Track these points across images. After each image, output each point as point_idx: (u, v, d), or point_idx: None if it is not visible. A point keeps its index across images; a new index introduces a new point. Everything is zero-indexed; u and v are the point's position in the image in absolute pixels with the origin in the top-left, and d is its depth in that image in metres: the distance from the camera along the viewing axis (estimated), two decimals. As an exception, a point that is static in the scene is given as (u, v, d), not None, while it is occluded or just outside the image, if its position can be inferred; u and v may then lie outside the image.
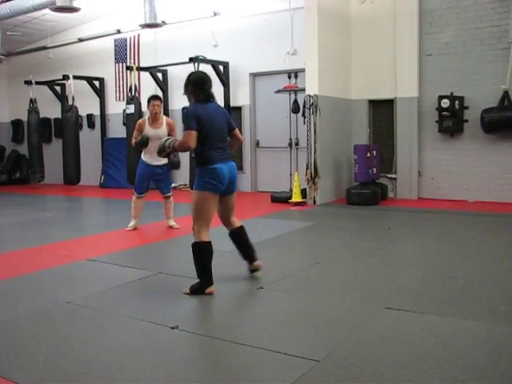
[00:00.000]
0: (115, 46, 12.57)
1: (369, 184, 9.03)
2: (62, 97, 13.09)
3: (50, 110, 13.55)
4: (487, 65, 8.69)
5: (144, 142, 6.53)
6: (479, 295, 4.03)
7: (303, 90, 9.27)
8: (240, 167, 11.14)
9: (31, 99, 12.70)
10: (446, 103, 8.81)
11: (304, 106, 9.09)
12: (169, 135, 6.37)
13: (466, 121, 8.93)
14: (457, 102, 8.81)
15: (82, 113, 12.81)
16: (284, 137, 10.58)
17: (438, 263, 5.07)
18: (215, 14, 10.83)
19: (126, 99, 11.66)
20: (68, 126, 12.12)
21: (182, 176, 11.23)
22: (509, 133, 8.55)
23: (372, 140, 9.90)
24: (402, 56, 9.31)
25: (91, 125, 13.26)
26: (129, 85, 11.47)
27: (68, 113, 12.11)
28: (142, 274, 4.80)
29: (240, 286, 4.46)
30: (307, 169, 9.05)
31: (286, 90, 10.00)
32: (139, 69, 11.49)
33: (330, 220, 7.69)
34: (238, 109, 11.09)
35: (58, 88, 13.30)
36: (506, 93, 8.48)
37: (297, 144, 10.46)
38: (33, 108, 12.72)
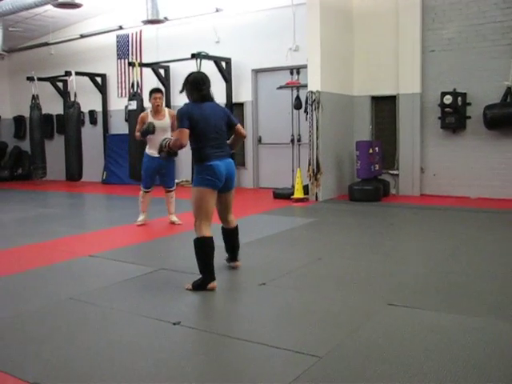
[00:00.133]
0: (117, 42, 12.55)
1: (371, 180, 9.02)
2: (64, 93, 13.11)
3: (52, 106, 13.56)
4: (490, 61, 8.66)
5: (151, 130, 6.53)
6: (482, 291, 4.02)
7: (305, 86, 9.24)
8: (242, 163, 11.15)
9: (33, 95, 12.69)
10: (448, 99, 8.79)
11: (306, 102, 9.07)
12: (172, 126, 6.65)
13: (469, 117, 8.90)
14: (459, 98, 8.78)
15: (84, 109, 12.81)
16: (286, 133, 10.56)
17: (440, 259, 5.06)
18: (217, 10, 10.80)
19: (128, 95, 11.64)
20: (70, 122, 12.12)
21: (185, 172, 11.24)
22: (511, 129, 8.53)
23: (374, 136, 9.88)
24: (404, 52, 9.28)
25: (93, 121, 13.27)
26: (131, 81, 11.44)
27: (70, 109, 12.10)
28: (144, 269, 4.80)
29: (242, 282, 4.47)
30: (309, 165, 9.04)
31: (288, 86, 9.96)
32: (141, 65, 11.48)
33: (332, 216, 7.69)
34: (240, 105, 11.08)
35: (60, 84, 13.32)
36: (508, 89, 8.45)
37: (299, 140, 10.43)
38: (35, 104, 12.71)
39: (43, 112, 12.99)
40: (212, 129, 4.22)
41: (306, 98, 9.07)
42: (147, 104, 10.98)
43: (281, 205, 8.67)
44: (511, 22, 8.46)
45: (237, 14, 10.82)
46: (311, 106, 8.96)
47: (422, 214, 7.70)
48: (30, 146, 13.12)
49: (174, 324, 3.45)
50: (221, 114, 4.36)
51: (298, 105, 9.73)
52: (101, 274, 4.82)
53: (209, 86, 4.33)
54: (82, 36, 12.56)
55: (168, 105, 11.45)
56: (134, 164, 10.76)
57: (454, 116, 8.87)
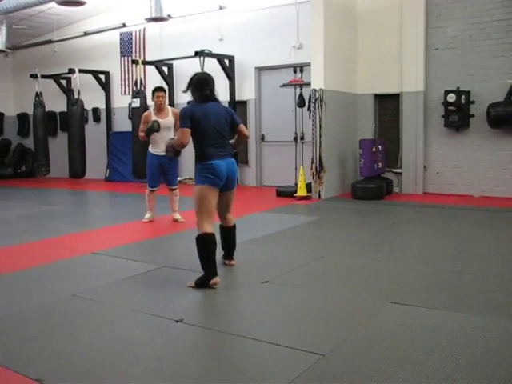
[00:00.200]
0: (121, 39, 12.56)
1: (374, 178, 9.01)
2: (67, 90, 13.12)
3: (56, 103, 13.57)
4: (494, 59, 8.63)
5: (156, 128, 6.55)
6: (484, 290, 4.01)
7: (309, 84, 9.23)
8: (245, 161, 11.15)
9: (37, 93, 12.71)
10: (452, 98, 8.76)
11: (309, 100, 9.06)
12: (175, 124, 6.69)
13: (472, 115, 8.88)
14: (463, 96, 8.76)
15: (88, 106, 12.83)
16: (289, 131, 10.56)
17: (443, 258, 5.05)
18: (221, 8, 10.79)
19: (131, 93, 11.65)
20: (73, 120, 12.13)
21: (187, 170, 11.24)
22: (515, 127, 8.52)
23: (377, 134, 9.86)
24: (407, 50, 9.26)
25: (97, 118, 13.28)
26: (134, 79, 11.46)
27: (73, 106, 12.12)
28: (147, 267, 4.81)
29: (245, 279, 4.47)
30: (312, 163, 9.04)
31: (292, 84, 9.96)
32: (145, 63, 11.48)
33: (335, 214, 7.68)
34: (244, 103, 11.07)
35: (63, 82, 13.33)
36: (512, 87, 8.43)
37: (302, 138, 10.43)
38: (38, 101, 12.73)
39: (47, 109, 12.99)
40: (213, 128, 4.27)
41: (310, 96, 9.05)
42: (150, 102, 11.03)
43: (284, 203, 8.67)
44: (515, 19, 8.44)
45: (240, 12, 10.81)
46: (314, 104, 8.95)
47: (425, 213, 7.68)
48: (33, 143, 13.14)
49: (177, 321, 3.45)
50: (224, 113, 4.39)
51: (301, 103, 9.72)
52: (104, 271, 4.83)
53: (212, 87, 4.37)
54: (86, 33, 12.57)
55: (171, 103, 11.47)
56: (137, 162, 10.78)
57: (457, 114, 8.85)
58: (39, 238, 6.23)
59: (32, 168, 14.03)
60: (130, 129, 11.34)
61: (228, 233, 4.73)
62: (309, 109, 9.09)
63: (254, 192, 10.37)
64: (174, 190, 7.03)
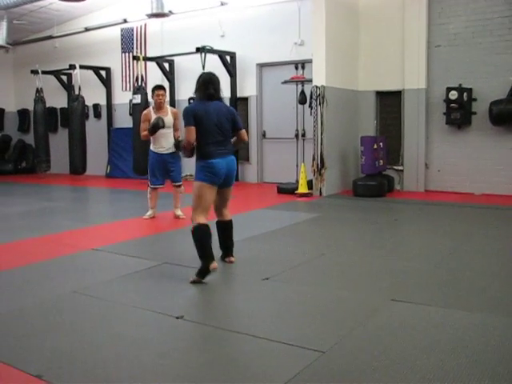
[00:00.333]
0: (122, 35, 12.52)
1: (375, 176, 8.99)
2: (68, 86, 13.09)
3: (56, 99, 13.55)
4: (496, 56, 8.59)
5: (160, 125, 6.54)
6: (485, 288, 4.00)
7: (310, 80, 9.20)
8: (246, 158, 11.14)
9: (37, 89, 12.67)
10: (454, 95, 8.74)
11: (311, 97, 9.04)
12: (174, 124, 6.80)
13: (474, 113, 8.85)
14: (465, 93, 8.73)
15: (89, 102, 12.79)
16: (291, 128, 10.53)
17: (444, 255, 5.04)
18: (222, 4, 10.75)
19: (132, 89, 11.62)
20: (74, 116, 12.10)
21: (189, 167, 11.21)
22: (517, 125, 8.49)
23: (379, 132, 9.84)
24: (410, 47, 9.22)
25: (97, 115, 13.26)
26: (135, 75, 11.42)
27: (74, 102, 12.08)
28: (148, 263, 4.80)
29: (245, 276, 4.45)
30: (314, 160, 9.02)
31: (293, 80, 9.93)
32: (146, 59, 11.44)
33: (336, 211, 7.67)
34: (245, 99, 11.05)
35: (64, 77, 13.30)
36: (515, 85, 8.40)
37: (303, 135, 10.41)
38: (39, 97, 12.69)
39: (47, 105, 12.96)
40: (215, 127, 4.34)
41: (311, 93, 9.03)
42: (151, 98, 11.03)
43: (285, 200, 8.66)
44: (519, 16, 8.40)
45: (242, 8, 10.77)
46: (316, 100, 8.93)
47: (427, 210, 7.67)
48: (34, 139, 13.11)
49: (177, 318, 3.45)
50: (226, 113, 4.47)
51: (302, 99, 9.70)
52: (104, 267, 4.82)
53: (217, 86, 4.46)
54: (87, 29, 12.54)
55: (172, 99, 11.46)
56: (137, 158, 10.76)
57: (459, 112, 8.81)
58: (39, 234, 6.22)
59: (32, 164, 14.01)
60: (130, 125, 11.30)
61: (225, 227, 4.75)
62: (310, 105, 9.07)
63: (254, 189, 10.36)
64: (178, 186, 7.00)
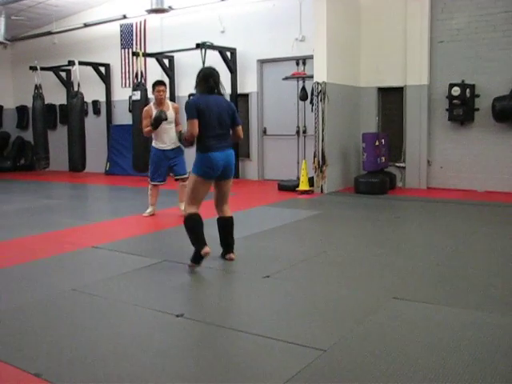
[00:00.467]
0: (121, 31, 12.44)
1: (377, 173, 8.93)
2: (67, 83, 13.02)
3: (55, 96, 13.48)
4: (500, 52, 8.53)
5: (163, 117, 6.50)
6: (487, 286, 3.97)
7: (311, 77, 9.14)
8: (247, 155, 11.08)
9: (36, 85, 12.61)
10: (456, 91, 8.67)
11: (312, 94, 8.98)
12: (175, 119, 6.79)
13: (477, 109, 8.79)
14: (468, 90, 8.66)
15: (88, 99, 12.73)
16: (292, 124, 10.47)
17: (446, 253, 5.00)
18: (222, 0, 10.66)
19: (131, 85, 11.56)
20: (73, 113, 12.04)
21: (188, 164, 11.14)
22: (521, 122, 8.43)
23: (381, 128, 9.78)
24: (412, 43, 9.15)
25: (97, 111, 13.20)
26: (135, 71, 11.35)
27: (73, 99, 12.02)
28: (148, 261, 4.76)
29: (246, 274, 4.41)
30: (315, 157, 8.96)
31: (294, 76, 9.87)
32: (145, 55, 11.37)
33: (337, 209, 7.62)
34: (246, 96, 10.98)
35: (63, 74, 13.22)
36: (518, 81, 8.34)
37: (304, 132, 10.35)
38: (38, 94, 12.63)
39: (46, 102, 12.91)
40: (215, 120, 4.43)
41: (312, 89, 8.97)
42: (151, 94, 10.95)
43: (286, 197, 8.60)
44: (522, 11, 8.33)
45: (242, 4, 10.70)
46: (317, 97, 8.87)
47: (429, 208, 7.62)
48: (32, 136, 13.05)
49: (177, 316, 3.42)
50: (227, 108, 4.56)
51: (303, 96, 9.63)
52: (104, 265, 4.79)
53: (217, 80, 4.54)
54: (86, 25, 12.44)
55: (172, 95, 11.39)
56: (137, 155, 10.71)
57: (462, 108, 8.75)
58: (39, 231, 6.18)
59: (31, 161, 13.96)
60: (130, 122, 11.25)
61: (225, 224, 4.74)
62: (311, 102, 9.01)
63: (255, 186, 10.31)
64: (183, 180, 6.86)
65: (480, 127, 8.82)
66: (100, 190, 10.82)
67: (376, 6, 9.52)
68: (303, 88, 9.72)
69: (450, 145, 9.13)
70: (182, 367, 2.78)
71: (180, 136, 4.89)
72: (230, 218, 4.75)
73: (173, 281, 4.25)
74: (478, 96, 8.74)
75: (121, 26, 12.39)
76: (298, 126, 10.41)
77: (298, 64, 10.28)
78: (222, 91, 4.58)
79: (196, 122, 4.36)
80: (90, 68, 12.42)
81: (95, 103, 13.16)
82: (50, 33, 13.00)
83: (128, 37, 12.38)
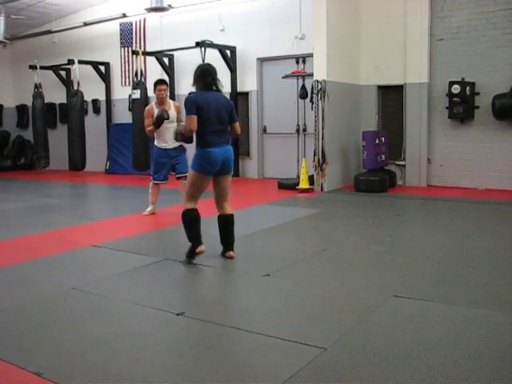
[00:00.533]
0: (121, 30, 12.42)
1: (377, 171, 8.92)
2: (67, 82, 13.00)
3: (55, 94, 13.47)
4: (500, 49, 8.51)
5: (165, 116, 6.50)
6: (487, 283, 3.97)
7: (311, 75, 9.13)
8: (247, 153, 11.07)
9: (36, 84, 12.60)
10: (456, 89, 8.66)
11: (312, 92, 8.97)
12: (177, 117, 6.74)
13: (477, 107, 8.78)
14: (468, 87, 8.65)
15: (88, 98, 12.73)
16: (291, 123, 10.46)
17: (446, 251, 5.00)
18: (222, -2, 10.67)
19: (131, 84, 11.55)
20: (73, 112, 12.03)
21: (189, 160, 11.14)
22: (521, 119, 8.42)
23: (381, 126, 9.77)
24: (412, 41, 9.14)
25: (96, 110, 13.19)
26: (135, 70, 11.34)
27: (73, 98, 12.01)
28: (148, 260, 4.76)
29: (246, 272, 4.41)
30: (315, 155, 8.95)
31: (294, 75, 9.86)
32: (145, 53, 11.36)
33: (337, 207, 7.61)
34: (245, 94, 10.97)
35: (63, 73, 13.20)
36: (518, 78, 8.32)
37: (304, 130, 10.34)
38: (37, 93, 12.62)
39: (46, 101, 12.90)
40: (214, 116, 4.49)
41: (312, 88, 8.96)
42: (151, 93, 10.93)
43: (286, 195, 8.60)
44: (522, 9, 8.31)
45: (242, 2, 10.68)
46: (317, 95, 8.86)
47: (429, 206, 7.62)
48: (32, 135, 13.05)
49: (178, 314, 3.41)
50: (225, 104, 4.62)
51: (303, 94, 9.62)
52: (104, 264, 4.79)
53: (214, 76, 4.59)
54: (86, 24, 12.43)
55: (172, 94, 11.36)
56: (137, 154, 10.71)
57: (462, 106, 8.74)
58: (39, 230, 6.17)
59: (31, 160, 13.95)
60: (130, 120, 11.24)
61: (226, 222, 4.75)
62: (311, 100, 9.00)
63: (255, 184, 10.30)
64: (186, 178, 6.82)
65: (480, 125, 8.81)
66: (100, 188, 10.82)
67: (376, 4, 9.51)
68: (303, 86, 9.71)
69: (450, 143, 9.12)
70: (183, 365, 2.77)
71: (176, 130, 4.92)
72: (230, 216, 4.75)
73: (173, 279, 4.25)
74: (477, 94, 8.73)
75: (120, 25, 12.36)
76: (298, 125, 10.40)
77: (297, 62, 10.27)
78: (219, 87, 4.62)
79: (195, 117, 4.41)
80: (89, 67, 12.40)
81: (95, 102, 13.14)
82: (49, 32, 12.98)
83: (128, 35, 12.36)
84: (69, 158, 12.36)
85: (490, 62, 8.60)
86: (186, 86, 11.02)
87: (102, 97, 12.97)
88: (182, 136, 4.71)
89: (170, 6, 10.67)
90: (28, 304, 3.71)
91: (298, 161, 10.02)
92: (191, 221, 4.61)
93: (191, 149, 5.71)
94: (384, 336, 3.03)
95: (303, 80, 9.81)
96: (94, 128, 12.85)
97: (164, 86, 6.80)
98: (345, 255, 4.90)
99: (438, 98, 9.09)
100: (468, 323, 3.20)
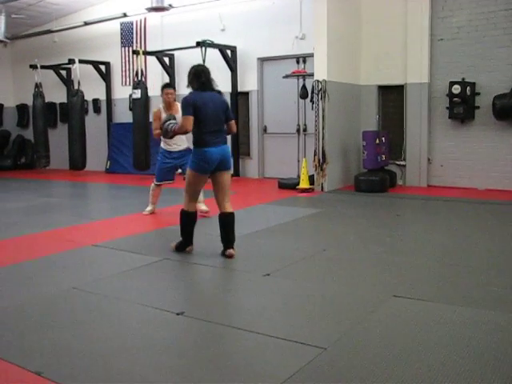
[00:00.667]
0: (121, 29, 12.42)
1: (377, 171, 8.92)
2: (67, 81, 13.00)
3: (56, 94, 13.47)
4: (500, 50, 8.51)
5: (169, 130, 6.42)
6: (488, 284, 3.97)
7: (312, 75, 9.12)
8: (247, 153, 11.07)
9: (36, 83, 12.59)
10: (457, 89, 8.65)
11: (312, 92, 8.96)
12: None
13: (478, 107, 8.77)
14: (468, 88, 8.65)
15: (88, 97, 12.72)
16: (292, 122, 10.46)
17: (446, 251, 5.00)
18: (222, -3, 10.66)
19: (132, 84, 11.54)
20: (74, 111, 12.03)
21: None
22: (521, 120, 8.41)
23: (381, 126, 9.77)
24: (412, 41, 9.14)
25: (97, 110, 13.19)
26: (135, 69, 11.34)
27: (74, 97, 12.01)
28: (148, 259, 4.76)
29: (246, 272, 4.41)
30: (315, 155, 8.95)
31: (295, 75, 9.85)
32: (146, 53, 11.35)
33: (337, 207, 7.61)
34: (246, 94, 10.97)
35: (63, 72, 13.21)
36: (518, 79, 8.32)
37: (305, 130, 10.34)
38: (38, 92, 12.61)
39: (46, 100, 12.89)
40: (211, 116, 4.58)
41: (313, 87, 8.95)
42: (151, 93, 10.95)
43: (286, 195, 8.60)
44: (523, 9, 8.30)
45: (243, 2, 10.68)
46: (317, 95, 8.86)
47: (429, 206, 7.62)
48: (33, 134, 13.04)
49: (178, 314, 3.41)
50: (221, 104, 4.72)
51: (304, 94, 9.62)
52: (104, 263, 4.79)
53: (208, 76, 4.70)
54: (86, 23, 12.43)
55: (172, 93, 11.34)
56: (138, 153, 10.70)
57: (462, 106, 8.74)
58: (39, 230, 6.17)
59: (32, 159, 13.96)
60: (130, 120, 11.24)
61: (226, 220, 4.77)
62: (312, 100, 9.00)
63: (255, 184, 10.30)
64: None
65: (480, 125, 8.80)
66: (100, 188, 10.82)
67: (376, 4, 9.50)
68: (303, 86, 9.70)
69: (450, 143, 9.12)
70: (183, 365, 2.77)
71: (168, 127, 4.96)
72: (230, 214, 4.77)
73: (173, 279, 4.25)
74: (478, 94, 8.73)
75: (121, 25, 12.37)
76: (299, 124, 10.40)
77: (298, 62, 10.26)
78: (214, 87, 4.71)
79: (191, 118, 4.50)
80: (90, 66, 12.40)
81: (95, 101, 13.15)
82: (50, 31, 12.97)
83: (128, 35, 12.36)
84: (69, 158, 12.36)
85: (491, 63, 8.59)
86: (187, 86, 11.04)
87: (102, 96, 12.97)
88: (174, 134, 4.92)
89: (170, 5, 10.67)
90: (28, 303, 3.71)
91: (299, 161, 10.02)
92: (188, 222, 4.82)
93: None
94: (384, 336, 3.03)
95: (304, 80, 9.81)
96: (95, 127, 12.85)
97: (171, 90, 6.79)
98: (345, 255, 4.90)
99: (439, 98, 9.09)
100: (468, 323, 3.20)
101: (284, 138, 10.67)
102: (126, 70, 12.57)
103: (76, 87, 11.94)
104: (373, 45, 9.58)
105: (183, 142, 6.69)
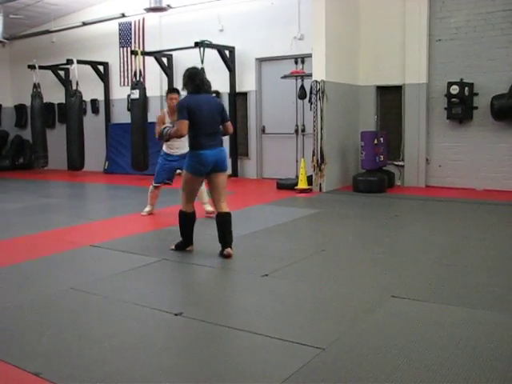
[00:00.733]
0: (120, 30, 12.41)
1: (376, 171, 8.93)
2: (65, 81, 13.00)
3: (54, 94, 13.46)
4: (498, 50, 8.52)
5: (164, 135, 6.43)
6: (486, 284, 3.97)
7: (310, 75, 9.13)
8: (245, 153, 11.07)
9: (35, 84, 12.58)
10: (455, 90, 8.66)
11: (311, 92, 8.97)
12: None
13: (476, 108, 8.78)
14: (466, 88, 8.66)
15: (86, 98, 12.72)
16: (290, 123, 10.46)
17: (445, 251, 5.00)
18: (221, -2, 10.66)
19: (130, 84, 11.53)
20: (72, 111, 12.02)
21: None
22: (519, 120, 8.42)
23: (379, 127, 9.77)
24: (410, 41, 9.14)
25: (95, 110, 13.18)
26: (133, 70, 11.33)
27: (72, 98, 12.00)
28: (146, 260, 4.75)
29: (245, 273, 4.41)
30: (313, 155, 8.95)
31: (293, 75, 9.86)
32: (144, 53, 11.35)
33: (336, 207, 7.61)
34: (244, 94, 10.97)
35: (61, 72, 13.21)
36: (517, 79, 8.33)
37: (303, 130, 10.34)
38: (36, 93, 12.60)
39: (45, 101, 12.89)
40: (206, 119, 4.62)
41: (311, 88, 8.96)
42: (150, 93, 10.94)
43: (284, 195, 8.60)
44: (521, 9, 8.32)
45: (241, 2, 10.68)
46: (316, 95, 8.86)
47: (427, 206, 7.62)
48: (31, 135, 13.04)
49: (176, 315, 3.41)
50: (217, 106, 4.79)
51: (302, 94, 9.63)
52: (102, 264, 4.79)
53: (202, 78, 4.76)
54: (84, 24, 12.42)
55: (171, 94, 11.34)
56: (136, 154, 10.69)
57: (460, 106, 8.75)
58: (37, 230, 6.17)
59: (30, 160, 13.94)
60: (129, 120, 11.22)
61: (223, 220, 4.79)
62: (310, 100, 9.00)
63: (254, 184, 10.30)
64: None
65: (478, 125, 8.81)
66: (99, 188, 10.81)
67: (375, 5, 9.51)
68: (302, 86, 9.71)
69: (448, 143, 9.13)
70: (181, 366, 2.77)
71: (163, 131, 5.01)
72: (226, 214, 4.78)
73: (171, 279, 4.25)
74: (476, 94, 8.74)
75: (119, 25, 12.35)
76: (297, 125, 10.41)
77: (296, 62, 10.27)
78: (209, 89, 4.77)
79: (186, 122, 4.54)
80: (88, 67, 12.40)
81: (94, 102, 13.14)
82: (48, 31, 12.96)
83: (127, 35, 12.35)
84: (67, 158, 12.36)
85: (489, 63, 8.60)
86: (181, 88, 11.03)
87: (100, 97, 12.97)
88: (169, 137, 4.98)
89: (169, 6, 10.67)
90: (26, 304, 3.70)
91: (297, 161, 10.02)
92: (187, 223, 4.87)
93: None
94: (382, 336, 3.04)
95: (302, 80, 9.82)
96: (93, 128, 12.84)
97: (175, 95, 6.78)
98: (343, 255, 4.90)
99: (437, 99, 9.10)
100: (466, 323, 3.20)
101: (282, 138, 10.67)
102: (124, 71, 12.55)
103: (74, 87, 11.94)
104: (371, 45, 9.59)
105: (185, 147, 6.66)
